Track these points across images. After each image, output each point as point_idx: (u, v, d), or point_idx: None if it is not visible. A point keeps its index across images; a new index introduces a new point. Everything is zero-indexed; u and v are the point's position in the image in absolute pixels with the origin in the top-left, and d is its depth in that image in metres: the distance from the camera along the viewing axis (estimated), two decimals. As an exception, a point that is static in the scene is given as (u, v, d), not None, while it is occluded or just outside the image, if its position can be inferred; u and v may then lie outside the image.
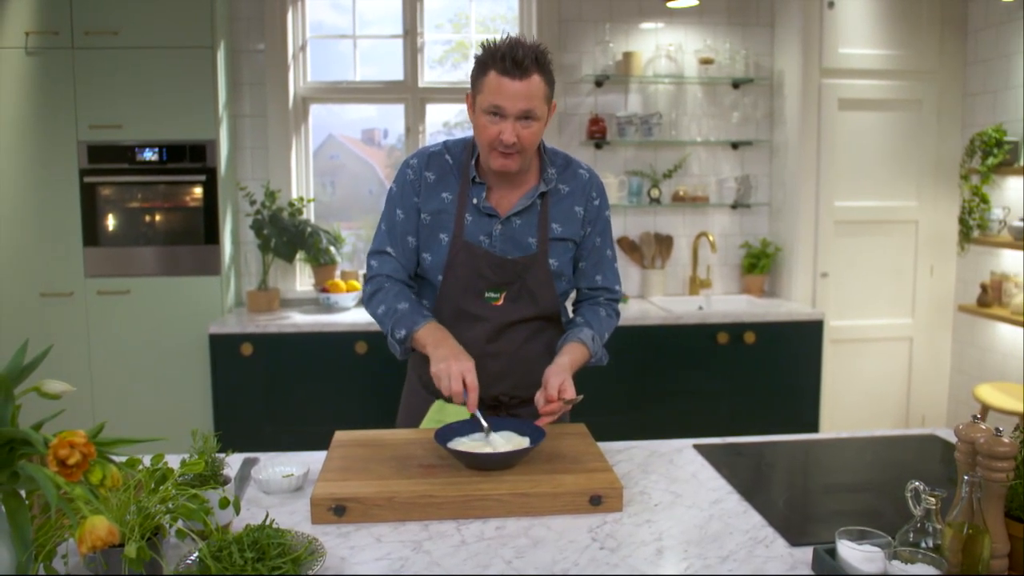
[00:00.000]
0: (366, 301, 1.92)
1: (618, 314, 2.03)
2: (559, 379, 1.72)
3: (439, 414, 1.91)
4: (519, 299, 1.87)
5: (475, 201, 1.85)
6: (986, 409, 3.51)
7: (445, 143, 1.95)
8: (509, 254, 1.85)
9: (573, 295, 2.06)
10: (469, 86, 1.82)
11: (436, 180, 1.89)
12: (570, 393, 1.71)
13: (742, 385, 3.81)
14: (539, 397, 1.74)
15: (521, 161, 1.79)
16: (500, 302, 1.86)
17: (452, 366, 1.67)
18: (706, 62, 4.20)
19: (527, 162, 1.83)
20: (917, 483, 1.25)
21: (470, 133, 1.91)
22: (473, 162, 1.88)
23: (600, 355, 1.92)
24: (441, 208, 1.87)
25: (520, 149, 1.76)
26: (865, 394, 4.27)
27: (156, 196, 3.73)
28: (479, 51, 1.76)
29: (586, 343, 1.86)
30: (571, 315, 2.04)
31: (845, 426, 4.19)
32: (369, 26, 4.27)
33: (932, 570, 1.16)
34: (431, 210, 1.87)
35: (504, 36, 1.75)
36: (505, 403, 1.93)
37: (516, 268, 1.85)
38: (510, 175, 1.85)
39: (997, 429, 1.27)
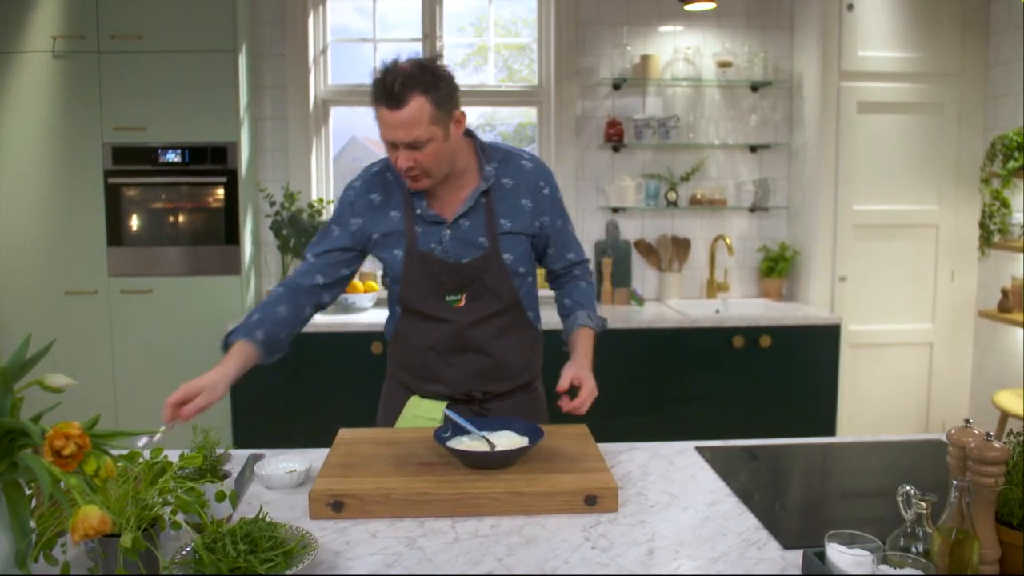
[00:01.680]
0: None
1: (591, 276, 2.12)
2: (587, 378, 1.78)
3: (415, 409, 1.95)
4: (480, 297, 1.88)
5: (418, 211, 1.87)
6: (1005, 415, 3.47)
7: (386, 159, 1.93)
8: (463, 257, 1.87)
9: (543, 276, 2.12)
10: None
11: (382, 201, 1.90)
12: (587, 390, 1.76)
13: (758, 389, 3.79)
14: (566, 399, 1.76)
15: (430, 179, 1.80)
16: (462, 303, 1.88)
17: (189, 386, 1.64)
18: (724, 65, 4.19)
19: (437, 176, 1.81)
20: (908, 487, 1.25)
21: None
22: None
23: (600, 324, 2.01)
24: (391, 227, 1.89)
25: (423, 171, 1.76)
26: (884, 400, 4.23)
27: (178, 197, 3.80)
28: (369, 79, 1.74)
29: (588, 325, 1.97)
30: (557, 286, 2.11)
31: (864, 431, 4.15)
32: (390, 30, 4.31)
33: (920, 574, 1.16)
34: (382, 231, 1.89)
35: (392, 60, 1.73)
36: (479, 399, 1.95)
37: (471, 270, 1.86)
38: (448, 181, 1.86)
39: (988, 434, 1.27)
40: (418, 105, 1.68)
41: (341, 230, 1.94)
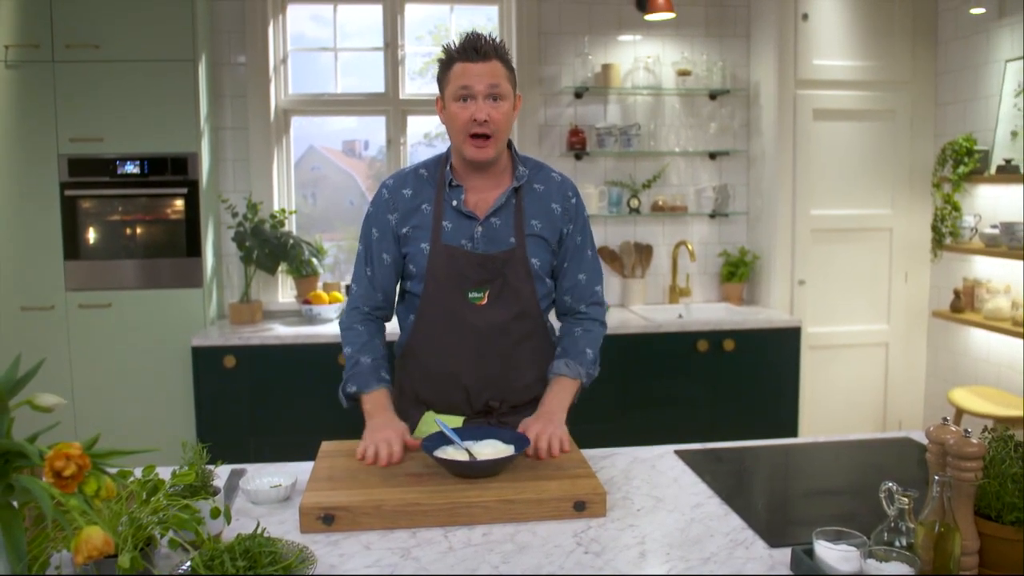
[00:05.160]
0: (342, 328, 2.00)
1: (601, 321, 2.06)
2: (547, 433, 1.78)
3: (429, 425, 1.94)
4: (501, 296, 1.90)
5: (454, 203, 1.89)
6: (960, 413, 3.58)
7: (420, 162, 2.02)
8: (490, 252, 1.89)
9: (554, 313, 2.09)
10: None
11: (413, 195, 1.94)
12: (556, 448, 1.76)
13: (722, 392, 3.86)
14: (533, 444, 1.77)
15: (495, 148, 1.85)
16: (484, 301, 1.89)
17: (378, 436, 1.73)
18: (683, 74, 4.26)
19: (500, 149, 1.88)
20: (891, 484, 1.29)
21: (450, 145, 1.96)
22: (448, 167, 1.93)
23: (584, 373, 1.96)
24: (421, 221, 1.91)
25: (493, 131, 1.82)
26: (843, 399, 4.33)
27: (137, 209, 3.73)
28: (441, 55, 1.87)
29: (564, 374, 1.93)
30: (557, 328, 2.08)
31: (824, 431, 4.25)
32: (350, 38, 4.30)
33: (906, 568, 1.20)
34: (412, 224, 1.92)
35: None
36: (496, 408, 1.95)
37: (496, 263, 1.88)
38: (485, 171, 1.90)
39: (966, 430, 1.31)
40: (499, 64, 1.83)
41: (381, 230, 1.95)
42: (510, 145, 1.97)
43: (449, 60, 1.84)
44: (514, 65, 1.91)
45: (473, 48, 1.80)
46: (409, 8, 4.26)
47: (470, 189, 1.92)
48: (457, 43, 1.84)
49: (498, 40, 1.85)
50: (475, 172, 1.90)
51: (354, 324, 1.98)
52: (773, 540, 1.46)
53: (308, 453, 1.84)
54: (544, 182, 1.97)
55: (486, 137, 1.83)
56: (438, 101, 1.91)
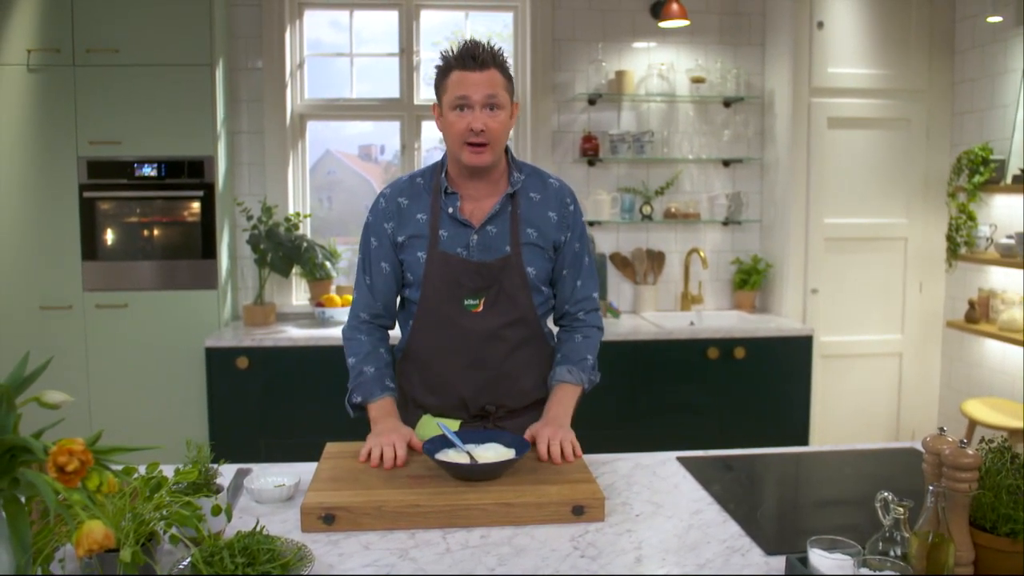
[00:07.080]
0: (345, 337, 2.03)
1: (598, 327, 2.07)
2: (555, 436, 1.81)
3: (427, 429, 1.96)
4: (497, 303, 1.91)
5: (450, 211, 1.90)
6: (974, 424, 3.56)
7: (417, 170, 2.03)
8: (485, 260, 1.90)
9: (552, 319, 2.11)
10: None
11: (410, 204, 1.95)
12: (568, 452, 1.79)
13: (733, 400, 3.85)
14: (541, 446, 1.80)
15: (492, 155, 1.86)
16: (480, 308, 1.91)
17: (383, 440, 1.76)
18: (697, 81, 4.27)
19: (497, 156, 1.89)
20: (886, 494, 1.30)
21: None
22: (444, 174, 1.93)
23: (587, 379, 1.98)
24: (417, 229, 1.92)
25: (489, 140, 1.83)
26: (856, 409, 4.31)
27: (154, 211, 3.78)
28: (438, 62, 1.87)
29: (567, 381, 1.95)
30: (555, 335, 2.09)
31: (836, 441, 4.23)
32: (366, 44, 4.34)
33: (898, 577, 1.20)
34: (408, 233, 1.93)
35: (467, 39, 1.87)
36: (492, 413, 1.97)
37: (492, 271, 1.89)
38: (481, 178, 1.90)
39: (962, 441, 1.32)
40: (496, 74, 1.83)
41: (379, 239, 1.96)
42: (507, 151, 1.97)
43: (447, 68, 1.84)
44: (512, 73, 1.90)
45: (471, 56, 1.80)
46: (424, 14, 4.30)
47: (465, 196, 1.92)
48: (455, 51, 1.83)
49: (497, 48, 1.84)
50: (470, 179, 1.91)
51: (356, 334, 2.00)
52: (770, 548, 1.46)
53: (318, 454, 1.86)
54: (541, 190, 1.97)
55: (483, 144, 1.84)
56: (435, 107, 1.91)
